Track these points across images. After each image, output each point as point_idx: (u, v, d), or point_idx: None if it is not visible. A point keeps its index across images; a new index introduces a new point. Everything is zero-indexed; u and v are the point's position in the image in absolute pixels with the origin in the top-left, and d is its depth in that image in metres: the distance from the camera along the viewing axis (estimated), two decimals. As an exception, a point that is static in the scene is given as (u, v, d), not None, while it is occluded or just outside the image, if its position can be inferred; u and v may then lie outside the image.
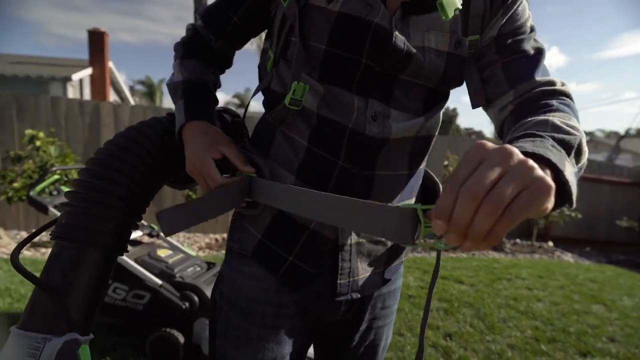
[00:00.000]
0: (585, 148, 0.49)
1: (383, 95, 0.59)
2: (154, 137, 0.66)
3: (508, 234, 6.42)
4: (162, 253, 2.04)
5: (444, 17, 0.52)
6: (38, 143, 3.55)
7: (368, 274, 0.68)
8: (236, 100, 35.75)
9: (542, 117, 0.49)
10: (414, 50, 0.57)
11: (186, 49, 0.72)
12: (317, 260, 0.63)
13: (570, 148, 0.44)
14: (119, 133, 0.67)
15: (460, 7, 0.53)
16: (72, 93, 14.27)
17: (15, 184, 3.44)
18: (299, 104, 0.58)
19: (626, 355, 2.21)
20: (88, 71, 15.03)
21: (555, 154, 0.40)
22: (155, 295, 1.82)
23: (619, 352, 2.23)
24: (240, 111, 0.83)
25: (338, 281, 0.64)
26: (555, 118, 0.48)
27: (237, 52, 0.81)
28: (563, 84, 0.58)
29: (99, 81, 15.57)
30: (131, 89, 34.66)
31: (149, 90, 36.52)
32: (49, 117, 4.46)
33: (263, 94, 0.68)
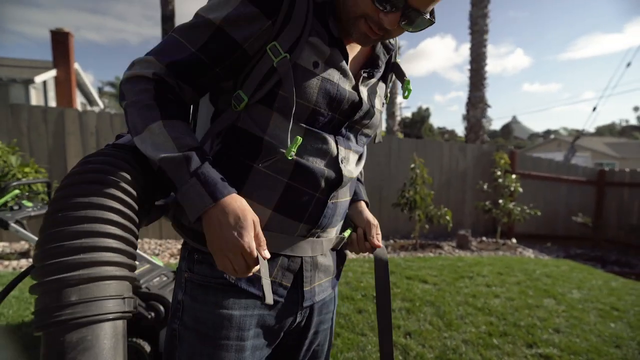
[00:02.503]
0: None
1: (347, 143, 0.77)
2: (127, 169, 0.57)
3: (474, 233, 6.71)
4: (128, 265, 2.06)
5: (404, 97, 0.82)
6: (-2, 153, 3.46)
7: (322, 281, 0.83)
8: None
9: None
10: (372, 109, 0.77)
11: (164, 108, 0.62)
12: (290, 275, 0.76)
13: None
14: (79, 170, 0.55)
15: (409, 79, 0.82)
16: (35, 96, 13.69)
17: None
18: (292, 155, 0.67)
19: (567, 344, 2.41)
20: (52, 73, 14.47)
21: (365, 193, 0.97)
22: (121, 307, 1.85)
23: (562, 342, 2.44)
24: None
25: (304, 289, 0.77)
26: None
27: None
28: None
29: (64, 83, 15.02)
30: (99, 90, 33.58)
31: (119, 92, 35.19)
32: (10, 125, 4.33)
33: (225, 131, 0.72)
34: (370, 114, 0.78)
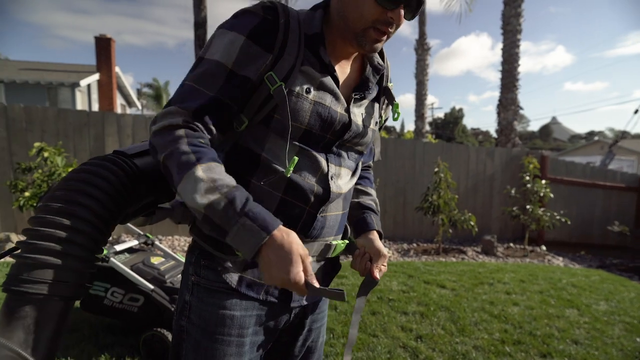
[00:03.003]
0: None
1: (338, 160, 0.85)
2: (108, 176, 0.66)
3: (502, 238, 6.56)
4: (155, 260, 2.25)
5: (394, 119, 0.91)
6: (46, 154, 3.80)
7: None
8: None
9: (371, 190, 1.06)
10: (362, 128, 0.85)
11: (198, 153, 0.65)
12: None
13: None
14: (72, 172, 0.67)
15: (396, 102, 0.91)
16: (80, 98, 14.63)
17: (26, 193, 3.68)
18: (290, 173, 0.77)
19: (584, 357, 2.37)
20: (95, 77, 15.38)
21: (379, 224, 0.98)
22: (148, 299, 2.03)
23: (578, 354, 2.39)
24: None
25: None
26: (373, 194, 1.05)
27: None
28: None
29: (106, 86, 15.94)
30: (138, 92, 35.21)
31: (156, 93, 36.93)
32: (58, 127, 4.72)
33: (228, 148, 0.82)
34: (361, 133, 0.85)
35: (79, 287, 0.62)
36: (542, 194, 5.87)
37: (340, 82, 0.82)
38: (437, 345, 2.37)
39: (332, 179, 0.82)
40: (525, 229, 6.14)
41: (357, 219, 0.98)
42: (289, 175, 0.76)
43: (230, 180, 0.66)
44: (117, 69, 16.60)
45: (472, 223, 5.14)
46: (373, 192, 1.06)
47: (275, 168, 0.78)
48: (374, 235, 0.95)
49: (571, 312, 3.17)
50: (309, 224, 0.82)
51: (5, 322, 0.53)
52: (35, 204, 3.69)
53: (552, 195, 5.92)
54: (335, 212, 0.87)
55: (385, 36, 0.77)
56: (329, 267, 0.95)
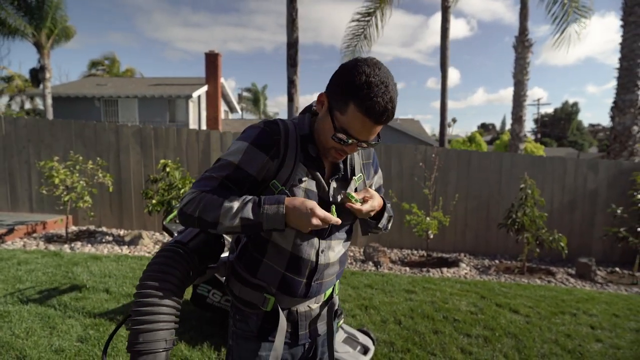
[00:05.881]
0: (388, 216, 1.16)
1: (328, 235, 1.09)
2: (176, 267, 0.96)
3: (605, 262, 5.89)
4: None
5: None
6: (168, 169, 4.72)
7: (313, 327, 1.18)
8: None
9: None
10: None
11: (217, 193, 0.94)
12: (293, 325, 1.13)
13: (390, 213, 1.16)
14: (152, 263, 0.97)
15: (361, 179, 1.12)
16: (192, 107, 16.88)
17: (153, 201, 4.64)
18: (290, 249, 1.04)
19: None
20: (204, 89, 17.57)
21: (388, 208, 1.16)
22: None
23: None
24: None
25: (299, 332, 1.14)
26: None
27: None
28: None
29: (213, 96, 18.04)
30: (239, 96, 38.78)
31: (254, 97, 40.15)
32: (175, 143, 5.74)
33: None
34: (342, 209, 1.02)
35: (171, 340, 0.95)
36: (657, 216, 5.13)
37: (326, 168, 1.06)
38: (495, 373, 2.43)
39: (322, 253, 1.06)
40: (637, 253, 5.43)
41: None
42: (289, 253, 1.01)
43: (246, 195, 0.94)
44: (221, 80, 18.67)
45: (562, 244, 4.78)
46: None
47: (281, 249, 1.03)
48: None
49: (668, 357, 2.86)
50: (306, 291, 1.07)
51: None
52: (159, 209, 4.62)
53: (671, 217, 5.13)
54: (329, 278, 1.12)
55: (344, 157, 1.00)
56: (328, 312, 1.21)
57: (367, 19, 10.07)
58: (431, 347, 2.71)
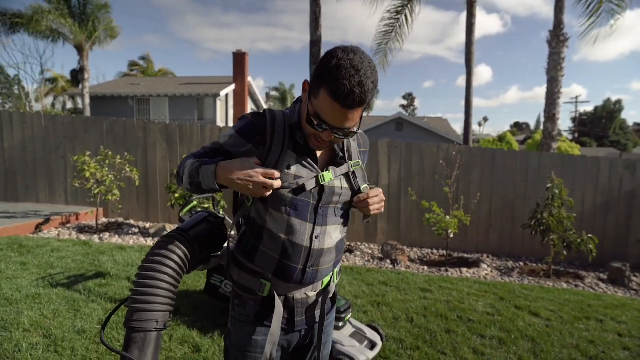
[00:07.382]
0: None
1: (325, 220, 1.08)
2: (176, 253, 1.00)
3: (640, 267, 5.55)
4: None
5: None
6: (190, 164, 4.88)
7: (310, 314, 1.19)
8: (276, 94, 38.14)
9: None
10: (340, 189, 1.09)
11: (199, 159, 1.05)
12: (287, 310, 1.15)
13: None
14: (154, 248, 1.01)
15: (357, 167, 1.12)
16: (219, 106, 17.28)
17: (177, 194, 4.80)
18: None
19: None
20: (232, 87, 17.93)
21: None
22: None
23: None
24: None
25: (295, 319, 1.15)
26: None
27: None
28: None
29: (240, 95, 18.38)
30: (267, 95, 39.30)
31: (282, 96, 40.55)
32: (199, 139, 5.91)
33: (243, 218, 1.16)
34: (336, 193, 1.06)
35: (165, 322, 0.98)
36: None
37: (319, 155, 1.07)
38: (507, 375, 2.36)
39: (316, 239, 1.06)
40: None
41: None
42: (283, 239, 1.03)
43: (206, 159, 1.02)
44: (249, 79, 19.00)
45: (591, 247, 4.55)
46: None
47: (275, 235, 1.05)
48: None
49: (703, 369, 2.67)
50: (301, 277, 1.08)
51: (130, 345, 0.93)
52: (181, 203, 4.77)
53: None
54: (326, 265, 1.12)
55: (325, 144, 1.01)
56: (324, 300, 1.21)
57: (396, 16, 9.96)
58: (442, 346, 2.66)
